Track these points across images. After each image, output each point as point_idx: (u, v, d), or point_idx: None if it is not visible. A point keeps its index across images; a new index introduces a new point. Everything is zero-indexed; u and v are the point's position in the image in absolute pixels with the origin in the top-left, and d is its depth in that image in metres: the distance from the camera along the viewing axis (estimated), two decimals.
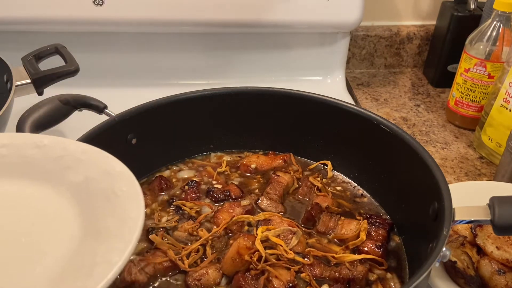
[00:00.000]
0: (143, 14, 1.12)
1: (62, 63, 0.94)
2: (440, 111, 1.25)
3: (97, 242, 0.47)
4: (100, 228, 0.48)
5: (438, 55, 1.33)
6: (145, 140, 0.85)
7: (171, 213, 0.81)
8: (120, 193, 0.51)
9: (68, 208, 0.51)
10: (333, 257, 0.71)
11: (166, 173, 0.90)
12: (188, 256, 0.71)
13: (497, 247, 0.72)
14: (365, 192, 0.87)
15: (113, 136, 0.79)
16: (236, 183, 0.88)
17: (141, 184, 0.86)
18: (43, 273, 0.45)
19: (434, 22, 1.37)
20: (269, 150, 0.95)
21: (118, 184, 0.52)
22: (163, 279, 0.69)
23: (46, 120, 0.84)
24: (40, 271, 0.45)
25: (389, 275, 0.71)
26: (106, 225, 0.48)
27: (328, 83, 1.31)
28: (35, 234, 0.49)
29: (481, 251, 0.74)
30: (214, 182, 0.88)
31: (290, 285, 0.66)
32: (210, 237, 0.73)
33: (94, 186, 0.53)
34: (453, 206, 0.62)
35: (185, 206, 0.81)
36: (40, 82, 0.91)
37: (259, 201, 0.82)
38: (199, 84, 1.19)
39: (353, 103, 1.02)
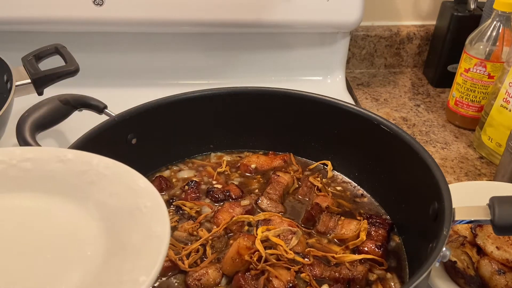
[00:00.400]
0: (143, 14, 1.12)
1: (62, 63, 0.94)
2: (440, 111, 1.25)
3: (123, 259, 0.46)
4: (125, 244, 0.47)
5: (438, 55, 1.33)
6: (145, 140, 0.85)
7: (171, 213, 0.81)
8: (144, 209, 0.50)
9: (92, 223, 0.50)
10: (333, 257, 0.71)
11: (166, 173, 0.90)
12: (188, 256, 0.71)
13: (497, 247, 0.72)
14: (365, 192, 0.87)
15: (113, 136, 0.79)
16: (236, 183, 0.88)
17: None
18: None
19: (434, 22, 1.37)
20: (269, 150, 0.95)
21: (142, 200, 0.52)
22: (163, 279, 0.69)
23: (46, 120, 0.84)
24: None
25: (389, 275, 0.71)
26: (131, 242, 0.47)
27: (328, 83, 1.31)
28: (60, 250, 0.48)
29: (481, 251, 0.74)
30: (214, 182, 0.88)
31: (290, 285, 0.66)
32: (210, 237, 0.73)
33: (118, 202, 0.52)
34: (453, 206, 0.62)
35: (185, 206, 0.81)
36: (40, 82, 0.91)
37: (259, 201, 0.82)
38: (199, 84, 1.19)
39: (353, 103, 1.02)
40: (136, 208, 0.51)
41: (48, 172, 0.55)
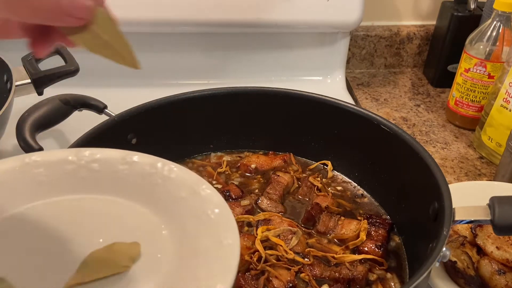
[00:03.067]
0: (143, 14, 1.12)
1: (62, 63, 0.94)
2: (440, 111, 1.25)
3: (195, 265, 0.45)
4: (196, 250, 0.46)
5: (438, 55, 1.33)
6: (145, 140, 0.85)
7: None
8: (212, 215, 0.49)
9: (160, 226, 0.50)
10: (333, 257, 0.71)
11: None
12: None
13: (497, 247, 0.71)
14: (365, 192, 0.87)
15: (113, 136, 0.79)
16: (236, 183, 0.88)
17: None
18: None
19: (434, 22, 1.37)
20: (269, 150, 0.95)
21: (209, 205, 0.50)
22: None
23: (46, 120, 0.84)
24: None
25: (389, 275, 0.71)
26: (201, 247, 0.46)
27: (328, 83, 1.31)
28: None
29: (481, 251, 0.74)
30: (214, 182, 0.88)
31: (290, 285, 0.66)
32: None
33: (185, 206, 0.51)
34: (453, 206, 0.62)
35: None
36: (40, 82, 0.91)
37: (259, 201, 0.82)
38: (199, 84, 1.19)
39: (353, 103, 1.02)
40: (203, 213, 0.49)
41: (115, 174, 0.54)
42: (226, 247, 0.45)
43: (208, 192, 0.52)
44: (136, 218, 0.51)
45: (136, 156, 0.56)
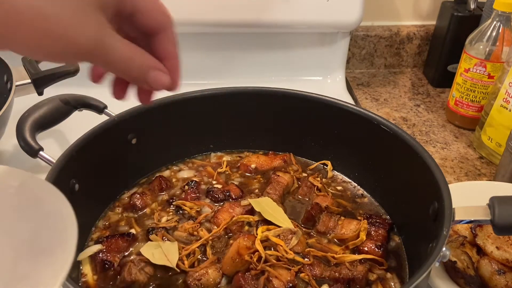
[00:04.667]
0: None
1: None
2: (440, 111, 1.25)
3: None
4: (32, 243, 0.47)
5: (438, 55, 1.33)
6: (145, 140, 0.85)
7: (171, 213, 0.81)
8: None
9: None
10: (333, 257, 0.71)
11: (166, 173, 0.90)
12: (188, 256, 0.71)
13: (497, 247, 0.72)
14: (365, 192, 0.87)
15: (113, 136, 0.79)
16: (236, 183, 0.88)
17: (141, 184, 0.87)
18: None
19: (434, 22, 1.37)
20: (269, 150, 0.95)
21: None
22: (163, 279, 0.69)
23: (46, 120, 0.84)
24: None
25: (389, 275, 0.71)
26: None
27: (328, 83, 1.31)
28: None
29: (481, 251, 0.74)
30: (214, 182, 0.88)
31: (290, 285, 0.66)
32: (210, 238, 0.73)
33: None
34: (453, 206, 0.62)
35: (185, 206, 0.81)
36: (40, 82, 0.91)
37: None
38: (199, 84, 1.19)
39: (353, 103, 1.02)
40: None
41: None
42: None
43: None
44: None
45: None
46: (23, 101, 0.90)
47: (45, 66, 0.93)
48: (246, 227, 0.77)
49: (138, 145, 0.84)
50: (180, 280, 0.69)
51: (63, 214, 0.49)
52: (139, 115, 0.82)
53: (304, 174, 0.90)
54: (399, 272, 0.72)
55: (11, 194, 0.52)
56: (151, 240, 0.74)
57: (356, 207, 0.84)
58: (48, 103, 0.86)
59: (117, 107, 0.86)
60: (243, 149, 0.96)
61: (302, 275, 0.68)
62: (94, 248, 0.73)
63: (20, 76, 0.92)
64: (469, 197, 0.69)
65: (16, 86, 0.90)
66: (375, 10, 1.37)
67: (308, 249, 0.72)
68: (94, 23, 0.43)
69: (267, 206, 0.78)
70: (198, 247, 0.72)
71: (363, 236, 0.74)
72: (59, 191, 0.51)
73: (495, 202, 0.61)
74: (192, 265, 0.70)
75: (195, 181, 0.86)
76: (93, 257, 0.71)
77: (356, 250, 0.74)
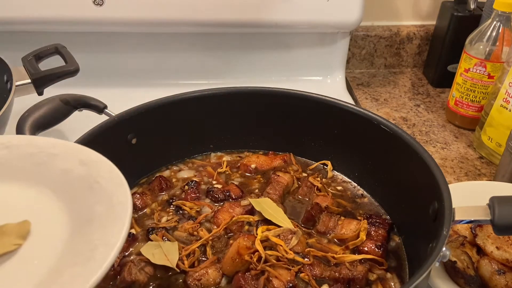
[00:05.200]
0: (143, 14, 1.12)
1: (62, 63, 0.94)
2: (440, 111, 1.25)
3: (90, 230, 0.47)
4: (90, 217, 0.48)
5: (438, 55, 1.33)
6: (145, 140, 0.85)
7: (171, 213, 0.81)
8: (102, 181, 0.52)
9: (51, 203, 0.51)
10: (333, 257, 0.71)
11: (166, 173, 0.90)
12: (188, 256, 0.71)
13: (497, 247, 0.72)
14: (365, 192, 0.87)
15: (113, 136, 0.79)
16: (236, 183, 0.88)
17: (141, 184, 0.87)
18: (39, 266, 0.45)
19: (434, 22, 1.37)
20: (269, 150, 0.95)
21: (97, 172, 0.53)
22: (163, 279, 0.69)
23: (46, 120, 0.84)
24: (37, 264, 0.45)
25: (389, 275, 0.71)
26: (95, 214, 0.48)
27: (328, 83, 1.31)
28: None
29: (481, 251, 0.74)
30: (214, 182, 0.88)
31: (290, 285, 0.66)
32: (210, 238, 0.73)
33: (73, 178, 0.53)
34: (453, 206, 0.62)
35: (185, 206, 0.81)
36: (40, 82, 0.91)
37: None
38: (199, 84, 1.19)
39: (353, 103, 1.02)
40: (94, 181, 0.52)
41: None
42: (118, 207, 0.48)
43: (95, 160, 0.54)
44: (26, 198, 0.52)
45: (15, 139, 0.57)
46: (23, 101, 0.90)
47: (45, 66, 0.93)
48: (246, 227, 0.77)
49: (138, 145, 0.84)
50: (180, 280, 0.69)
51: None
52: (139, 115, 0.82)
53: (304, 174, 0.90)
54: (399, 272, 0.72)
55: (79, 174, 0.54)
56: (151, 240, 0.74)
57: (356, 207, 0.84)
58: (48, 103, 0.86)
59: (117, 107, 0.86)
60: (243, 149, 0.96)
61: (302, 275, 0.68)
62: None
63: (20, 76, 0.92)
64: (469, 197, 0.69)
65: (16, 86, 0.90)
66: (375, 10, 1.37)
67: (308, 249, 0.72)
68: None
69: (267, 206, 0.77)
70: (198, 247, 0.72)
71: (363, 236, 0.74)
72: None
73: (495, 202, 0.61)
74: (192, 265, 0.70)
75: (195, 181, 0.86)
76: None
77: (356, 250, 0.74)
